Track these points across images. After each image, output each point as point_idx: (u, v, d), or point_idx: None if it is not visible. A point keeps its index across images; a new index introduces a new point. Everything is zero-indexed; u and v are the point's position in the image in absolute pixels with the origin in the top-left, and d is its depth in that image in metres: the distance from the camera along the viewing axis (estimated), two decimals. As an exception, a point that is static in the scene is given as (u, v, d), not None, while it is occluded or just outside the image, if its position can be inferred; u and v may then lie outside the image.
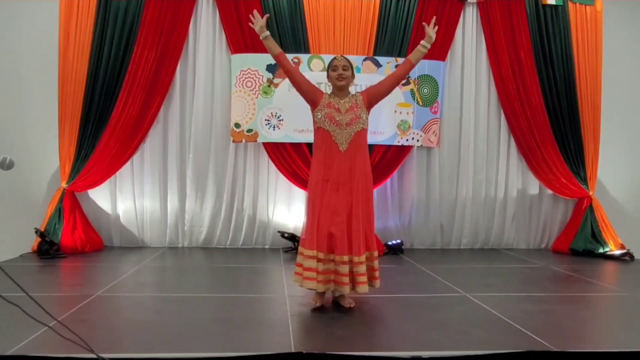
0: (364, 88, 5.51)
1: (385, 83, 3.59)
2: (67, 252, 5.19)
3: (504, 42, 5.87)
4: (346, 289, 3.37)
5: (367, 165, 3.55)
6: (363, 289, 3.39)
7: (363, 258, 3.40)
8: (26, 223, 5.32)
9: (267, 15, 3.57)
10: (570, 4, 5.92)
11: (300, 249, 3.53)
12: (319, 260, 3.39)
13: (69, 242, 5.24)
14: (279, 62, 3.55)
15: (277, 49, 3.53)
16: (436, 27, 3.61)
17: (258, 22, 3.50)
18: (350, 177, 3.42)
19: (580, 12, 5.95)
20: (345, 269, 3.36)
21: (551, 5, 5.86)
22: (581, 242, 5.78)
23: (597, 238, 5.76)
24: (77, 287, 4.05)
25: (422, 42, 3.60)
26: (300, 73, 3.58)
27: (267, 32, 3.50)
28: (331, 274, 3.40)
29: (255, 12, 3.52)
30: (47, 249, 5.09)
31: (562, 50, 5.90)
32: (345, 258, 3.36)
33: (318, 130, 3.52)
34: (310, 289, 3.47)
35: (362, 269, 3.39)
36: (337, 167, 3.43)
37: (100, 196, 5.72)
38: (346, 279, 3.36)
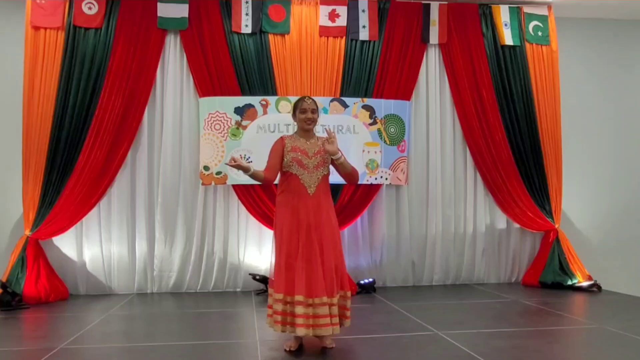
0: (331, 128, 5.68)
1: (344, 166, 3.56)
2: (31, 302, 5.02)
3: (466, 81, 6.05)
4: (327, 330, 3.33)
5: (332, 208, 3.61)
6: (337, 329, 3.39)
7: (335, 300, 3.39)
8: (-13, 274, 5.16)
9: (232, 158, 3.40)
10: (527, 45, 6.16)
11: (270, 290, 3.52)
12: (285, 303, 3.38)
13: (33, 292, 5.06)
14: (266, 181, 3.53)
15: (262, 174, 3.50)
16: (333, 141, 3.49)
17: (241, 165, 3.39)
18: (319, 219, 3.46)
19: (537, 51, 6.19)
20: (322, 310, 3.32)
21: (509, 46, 6.10)
22: (550, 275, 5.85)
23: (565, 270, 5.85)
24: (40, 340, 3.90)
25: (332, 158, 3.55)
26: (269, 169, 3.52)
27: (251, 167, 3.45)
28: (310, 318, 3.34)
29: (231, 160, 3.38)
30: (9, 300, 4.90)
31: (522, 87, 6.11)
32: (325, 299, 3.33)
33: (284, 173, 3.55)
34: (282, 332, 3.44)
35: (336, 309, 3.39)
36: (305, 210, 3.45)
37: (65, 243, 5.58)
38: (326, 320, 3.32)
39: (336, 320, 3.38)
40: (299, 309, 3.31)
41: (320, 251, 3.41)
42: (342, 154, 3.55)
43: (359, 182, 5.68)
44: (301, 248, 3.40)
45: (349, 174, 3.63)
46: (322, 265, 3.38)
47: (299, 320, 3.31)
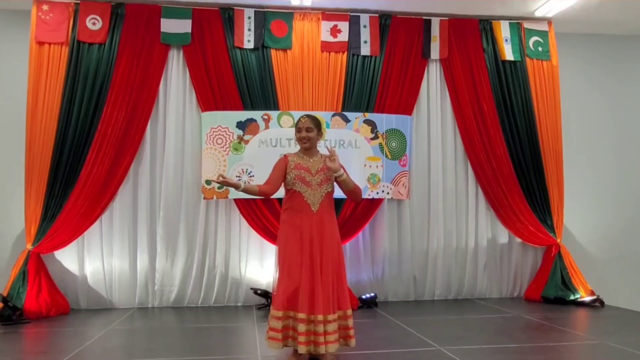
0: (333, 143, 5.70)
1: (347, 183, 3.57)
2: (32, 317, 5.01)
3: (467, 95, 6.08)
4: (322, 349, 3.33)
5: (335, 225, 3.62)
6: (333, 347, 3.37)
7: (335, 316, 3.38)
8: (-12, 288, 5.16)
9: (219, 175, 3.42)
10: (527, 60, 6.20)
11: (271, 308, 3.52)
12: (285, 319, 3.39)
13: (34, 306, 5.05)
14: (263, 194, 3.57)
15: (255, 188, 3.55)
16: (335, 159, 3.50)
17: (229, 182, 3.43)
18: (321, 237, 3.47)
19: (537, 66, 6.22)
20: (320, 327, 3.33)
21: (510, 61, 6.13)
22: (552, 290, 5.83)
23: (567, 285, 5.82)
24: (40, 355, 3.89)
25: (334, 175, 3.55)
26: (269, 182, 3.58)
27: (241, 184, 3.47)
28: (310, 335, 3.34)
29: (219, 177, 3.40)
30: (10, 314, 4.90)
31: (523, 102, 6.13)
32: (320, 317, 3.33)
33: (288, 191, 3.56)
34: (273, 349, 3.46)
35: (333, 327, 3.37)
36: (309, 227, 3.46)
37: (66, 257, 5.58)
38: (322, 338, 3.32)
39: (331, 337, 3.36)
40: (301, 327, 3.32)
41: (321, 269, 3.42)
42: (344, 171, 3.56)
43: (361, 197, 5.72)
44: (304, 265, 3.41)
45: (352, 191, 3.65)
46: (321, 283, 3.39)
47: (301, 338, 3.31)
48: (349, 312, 3.53)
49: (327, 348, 3.34)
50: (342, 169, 3.54)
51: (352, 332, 3.51)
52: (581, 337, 4.41)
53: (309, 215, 3.48)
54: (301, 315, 3.34)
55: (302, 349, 3.32)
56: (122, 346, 4.23)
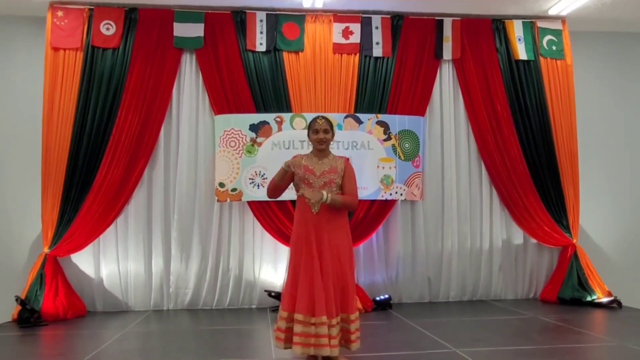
0: (346, 145, 5.69)
1: (334, 205, 3.46)
2: (49, 319, 5.06)
3: (480, 96, 6.04)
4: (326, 350, 3.28)
5: (340, 228, 3.51)
6: (334, 351, 3.32)
7: (337, 320, 3.35)
8: (6, 291, 5.21)
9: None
10: (541, 59, 6.14)
11: (280, 306, 3.55)
12: (289, 320, 3.39)
13: (51, 308, 5.11)
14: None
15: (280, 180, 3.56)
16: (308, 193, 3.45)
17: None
18: (320, 239, 3.42)
19: (551, 66, 6.16)
20: (322, 330, 3.27)
21: (523, 61, 6.08)
22: (568, 291, 5.76)
23: (584, 286, 5.75)
24: (57, 358, 3.94)
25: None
26: (276, 179, 3.59)
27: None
28: (311, 337, 3.31)
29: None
30: (28, 317, 4.96)
31: (537, 102, 6.08)
32: (324, 319, 3.29)
33: (298, 192, 3.57)
34: (285, 349, 3.44)
35: (334, 330, 3.32)
36: (310, 229, 3.45)
37: (83, 260, 5.63)
38: (325, 340, 3.27)
39: (335, 342, 3.31)
40: (297, 327, 3.32)
41: (321, 271, 3.38)
42: (326, 195, 3.40)
43: (374, 198, 5.73)
44: (303, 267, 3.41)
45: (342, 208, 3.53)
46: (323, 285, 3.34)
47: (296, 339, 3.31)
48: (352, 316, 3.44)
49: (332, 351, 3.29)
50: (323, 194, 3.40)
51: (353, 336, 3.43)
52: (600, 339, 4.35)
53: (310, 218, 3.46)
54: (297, 317, 3.34)
55: (296, 350, 3.32)
56: (138, 349, 4.25)
